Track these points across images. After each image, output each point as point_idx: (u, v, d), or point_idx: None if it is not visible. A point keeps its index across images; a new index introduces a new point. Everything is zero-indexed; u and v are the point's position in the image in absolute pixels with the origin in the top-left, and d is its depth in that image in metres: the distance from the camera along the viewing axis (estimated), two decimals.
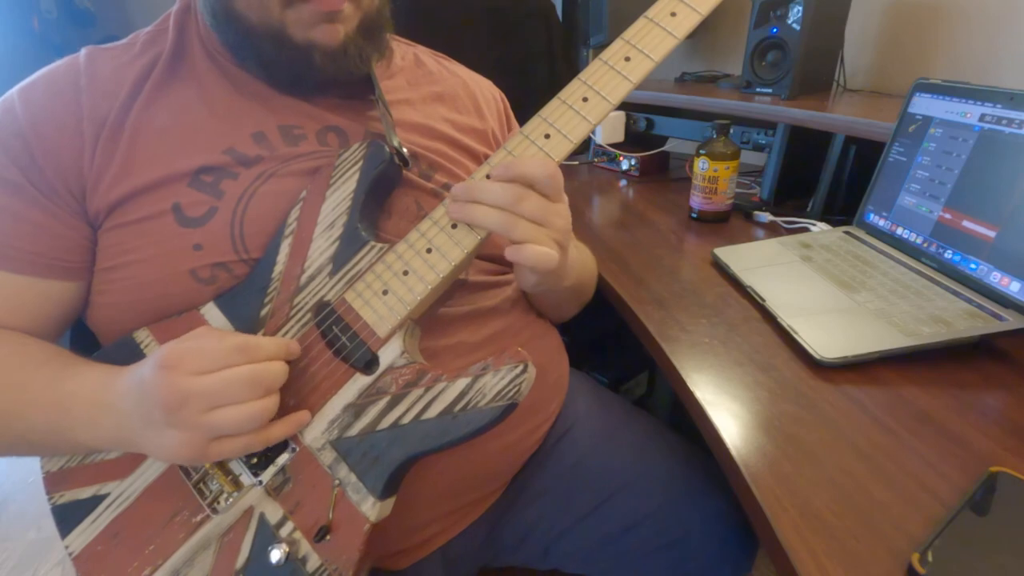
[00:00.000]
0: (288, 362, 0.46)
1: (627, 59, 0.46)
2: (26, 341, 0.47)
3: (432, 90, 0.63)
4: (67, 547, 0.47)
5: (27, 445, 0.46)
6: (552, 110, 0.47)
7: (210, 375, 0.40)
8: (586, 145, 1.33)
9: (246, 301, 0.47)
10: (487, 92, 0.69)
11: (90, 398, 0.44)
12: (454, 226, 0.47)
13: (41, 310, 0.49)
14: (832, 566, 0.36)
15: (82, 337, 0.56)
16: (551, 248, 0.45)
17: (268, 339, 0.44)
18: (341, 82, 0.53)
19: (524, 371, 0.44)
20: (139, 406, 0.41)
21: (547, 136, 0.47)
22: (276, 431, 0.43)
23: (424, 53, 0.67)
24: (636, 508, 0.60)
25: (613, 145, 1.28)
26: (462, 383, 0.44)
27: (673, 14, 0.46)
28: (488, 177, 0.46)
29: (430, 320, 0.51)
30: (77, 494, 0.47)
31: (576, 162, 1.33)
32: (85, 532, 0.47)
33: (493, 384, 0.44)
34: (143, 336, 0.48)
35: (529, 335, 0.61)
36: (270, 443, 0.44)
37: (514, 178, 0.44)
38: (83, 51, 0.51)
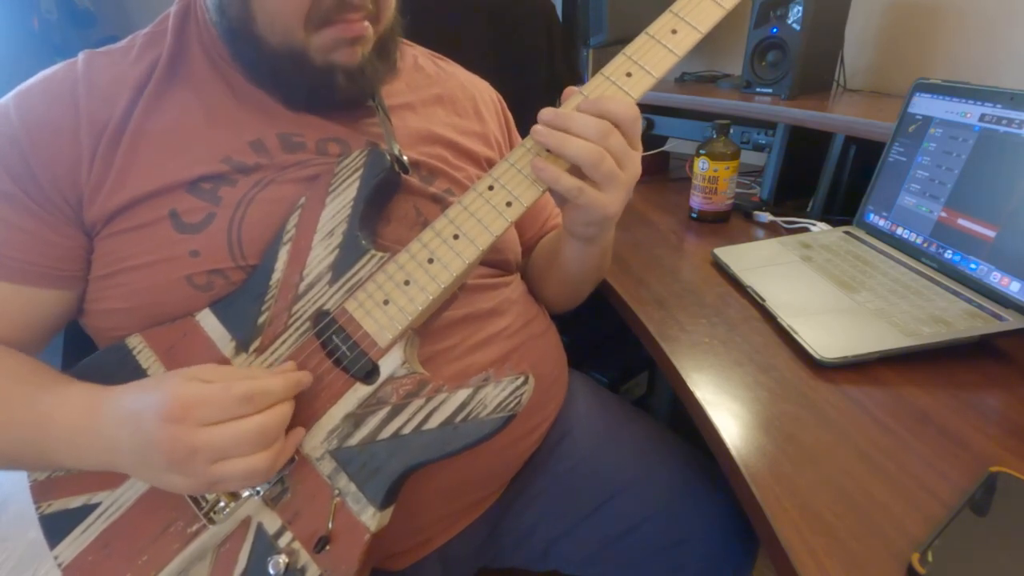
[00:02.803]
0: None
1: (628, 75, 0.47)
2: (5, 355, 0.46)
3: (432, 93, 0.63)
4: (56, 558, 0.46)
5: (7, 460, 0.45)
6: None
7: (218, 428, 0.39)
8: None
9: (243, 308, 0.47)
10: (485, 94, 0.69)
11: (71, 422, 0.43)
12: (456, 236, 0.47)
13: (30, 318, 0.48)
14: (832, 566, 0.36)
15: (78, 341, 0.56)
16: (619, 190, 0.47)
17: (275, 380, 0.42)
18: (344, 102, 0.53)
19: (525, 383, 0.44)
20: (137, 449, 0.40)
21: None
22: (279, 463, 0.43)
23: (422, 55, 0.67)
24: (636, 509, 0.60)
25: None
26: (463, 394, 0.44)
27: (674, 31, 0.47)
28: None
29: (427, 324, 0.51)
30: (66, 503, 0.46)
31: None
32: (75, 542, 0.46)
33: (494, 395, 0.44)
34: (135, 342, 0.47)
35: (527, 336, 0.60)
36: (270, 478, 0.43)
37: (602, 114, 0.45)
38: (81, 56, 0.51)
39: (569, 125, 0.45)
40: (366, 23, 0.49)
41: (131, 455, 0.41)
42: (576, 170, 0.46)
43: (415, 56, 0.66)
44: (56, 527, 0.46)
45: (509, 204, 0.47)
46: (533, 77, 1.18)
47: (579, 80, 1.34)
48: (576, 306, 0.71)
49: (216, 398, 0.39)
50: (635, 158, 0.48)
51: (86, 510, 0.46)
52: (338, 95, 0.51)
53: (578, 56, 1.49)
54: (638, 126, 0.47)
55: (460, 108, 0.64)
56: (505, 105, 0.72)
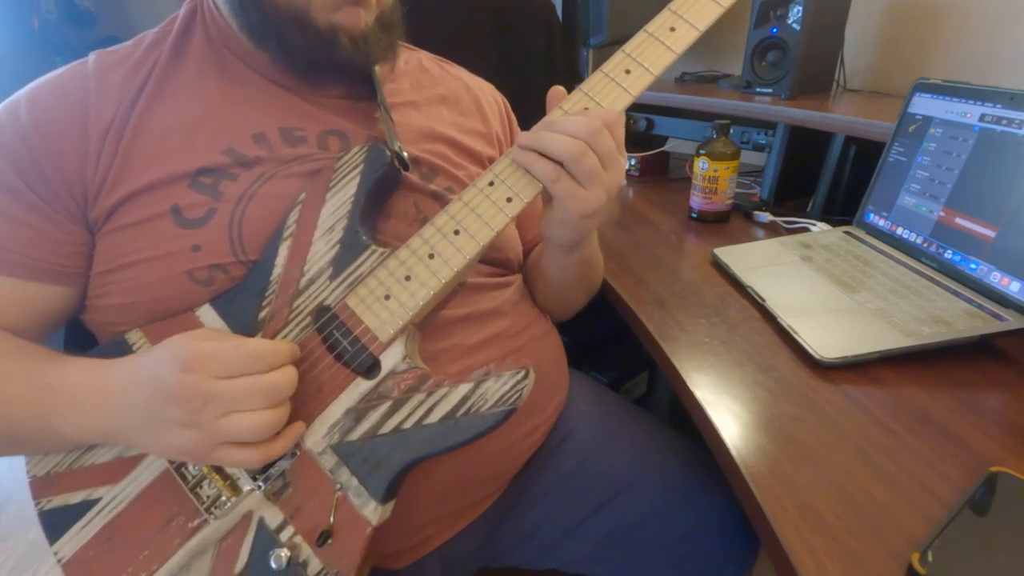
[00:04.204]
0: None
1: (627, 71, 0.48)
2: (7, 336, 0.47)
3: (436, 92, 0.63)
4: (56, 553, 0.46)
5: (9, 440, 0.45)
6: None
7: (232, 381, 0.40)
8: None
9: (243, 303, 0.47)
10: (489, 95, 0.69)
11: (76, 390, 0.44)
12: (456, 232, 0.47)
13: (31, 312, 0.48)
14: (832, 566, 0.36)
15: (77, 338, 0.56)
16: (599, 189, 0.46)
17: (282, 344, 0.43)
18: (349, 75, 0.53)
19: (526, 377, 0.44)
20: (152, 401, 0.41)
21: None
22: (277, 446, 0.43)
23: (427, 58, 0.67)
24: (638, 508, 0.60)
25: None
26: (464, 388, 0.44)
27: (672, 29, 0.48)
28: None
29: (428, 322, 0.51)
30: (66, 499, 0.46)
31: None
32: (75, 538, 0.46)
33: (496, 389, 0.44)
34: (136, 338, 0.47)
35: (528, 337, 0.60)
36: (271, 459, 0.43)
37: (589, 117, 0.46)
38: (92, 56, 0.51)
39: (558, 128, 0.46)
40: None
41: (142, 412, 0.42)
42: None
43: (420, 59, 0.66)
44: (56, 523, 0.46)
45: (509, 200, 0.47)
46: (533, 77, 1.18)
47: (579, 80, 1.34)
48: (572, 316, 0.71)
49: (229, 353, 0.40)
50: (620, 164, 0.48)
51: (86, 505, 0.46)
52: (339, 56, 0.50)
53: (578, 56, 1.49)
54: (621, 131, 0.47)
55: (464, 108, 0.64)
56: (509, 107, 0.72)
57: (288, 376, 0.42)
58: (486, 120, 0.66)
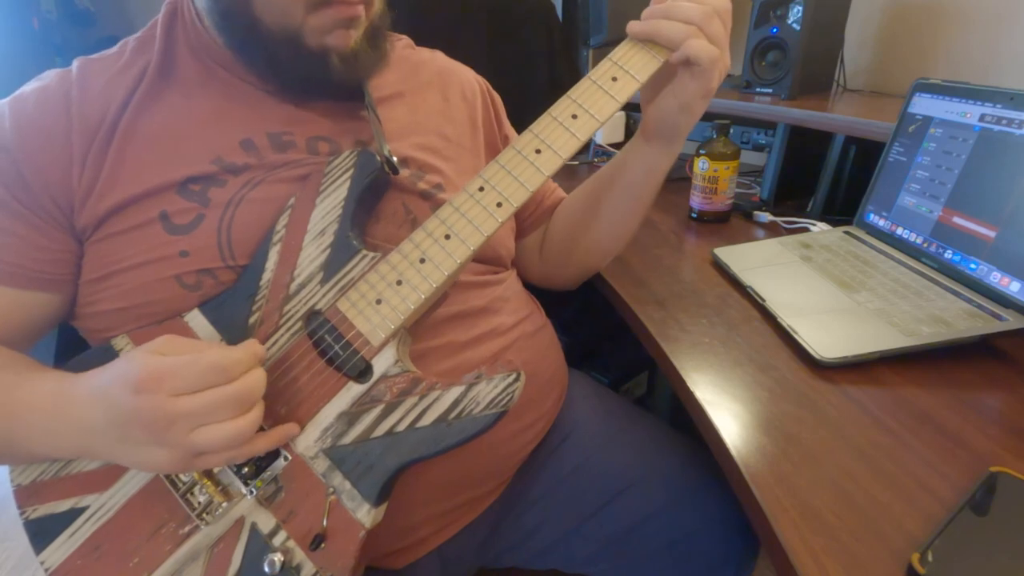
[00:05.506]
0: (280, 370, 0.46)
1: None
2: None
3: (420, 80, 0.63)
4: (42, 563, 0.45)
5: None
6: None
7: (193, 397, 0.38)
8: (586, 146, 1.32)
9: (233, 308, 0.47)
10: (471, 81, 0.70)
11: (44, 408, 0.42)
12: (447, 236, 0.47)
13: (17, 319, 0.48)
14: (832, 566, 0.36)
15: (71, 342, 0.56)
16: (726, 52, 0.51)
17: (242, 351, 0.41)
18: (338, 88, 0.53)
19: (517, 379, 0.44)
20: (113, 425, 0.40)
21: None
22: (261, 444, 0.42)
23: (406, 46, 0.68)
24: (639, 508, 0.60)
25: (613, 145, 1.28)
26: (456, 391, 0.44)
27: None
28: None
29: (420, 321, 0.51)
30: (53, 508, 0.46)
31: (576, 162, 1.33)
32: (63, 547, 0.45)
33: (487, 392, 0.44)
34: (122, 343, 0.47)
35: (519, 334, 0.60)
36: (255, 455, 0.43)
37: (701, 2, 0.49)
38: (75, 63, 0.51)
39: (671, 12, 0.49)
40: (360, 6, 0.50)
41: (108, 434, 0.40)
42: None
43: (400, 48, 0.66)
44: (42, 532, 0.45)
45: (499, 205, 0.48)
46: (533, 77, 1.19)
47: (579, 79, 1.34)
48: (610, 258, 0.72)
49: (188, 369, 0.38)
50: (728, 56, 0.51)
51: (74, 513, 0.45)
52: (333, 78, 0.51)
53: (578, 56, 1.49)
54: (729, 20, 0.51)
55: (447, 94, 0.65)
56: (490, 88, 0.72)
57: (254, 380, 0.41)
58: (471, 106, 0.66)
